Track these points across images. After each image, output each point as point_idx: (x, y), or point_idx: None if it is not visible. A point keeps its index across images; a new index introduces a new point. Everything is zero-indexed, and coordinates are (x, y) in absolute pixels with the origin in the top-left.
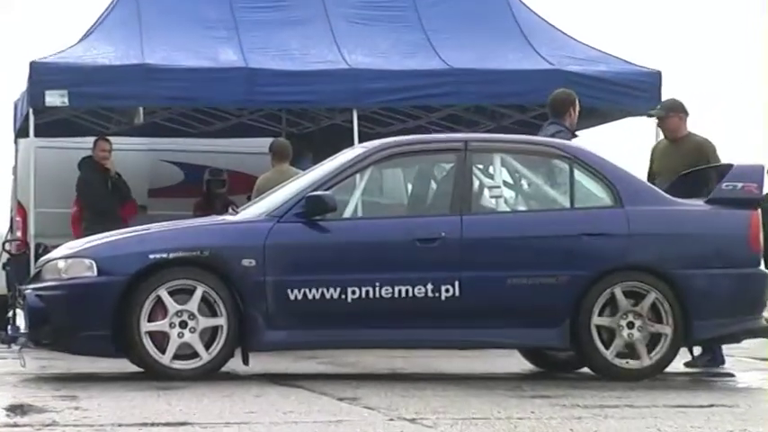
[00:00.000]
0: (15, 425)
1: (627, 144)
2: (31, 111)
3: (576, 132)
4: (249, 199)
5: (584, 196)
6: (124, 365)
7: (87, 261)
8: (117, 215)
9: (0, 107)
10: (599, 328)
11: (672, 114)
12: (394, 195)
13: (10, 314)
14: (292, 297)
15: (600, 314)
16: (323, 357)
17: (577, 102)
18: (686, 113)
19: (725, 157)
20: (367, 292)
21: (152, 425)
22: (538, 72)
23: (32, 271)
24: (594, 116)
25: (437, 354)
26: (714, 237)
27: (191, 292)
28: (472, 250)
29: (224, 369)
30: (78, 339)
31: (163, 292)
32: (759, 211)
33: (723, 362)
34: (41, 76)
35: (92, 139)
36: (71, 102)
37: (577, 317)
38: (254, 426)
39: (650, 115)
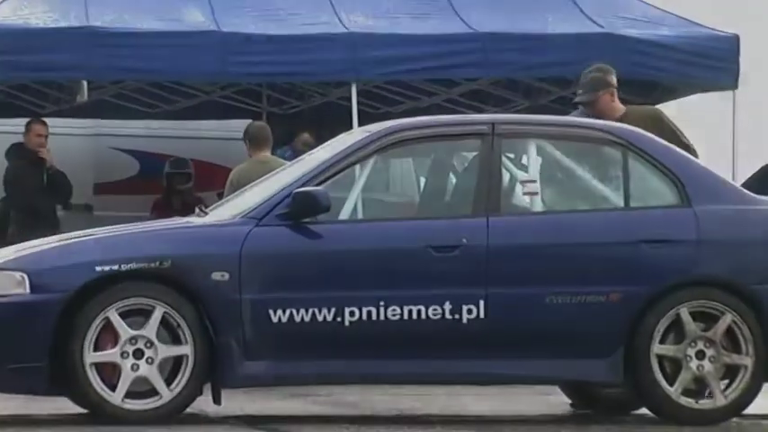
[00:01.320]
0: None
1: (696, 127)
2: None
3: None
4: (221, 196)
5: (641, 193)
6: (63, 405)
7: (17, 275)
8: (54, 217)
9: None
10: (661, 358)
11: (602, 92)
12: (403, 192)
13: None
14: (275, 319)
15: (662, 341)
16: (315, 395)
17: (615, 83)
18: (615, 85)
19: None
20: (369, 313)
21: None
22: (584, 37)
23: None
24: (655, 93)
25: (457, 391)
26: None
27: (148, 313)
28: (501, 261)
29: (189, 410)
30: (5, 373)
31: (113, 314)
32: None
33: None
34: None
35: (23, 120)
36: None
37: (633, 344)
38: None
39: (576, 104)
